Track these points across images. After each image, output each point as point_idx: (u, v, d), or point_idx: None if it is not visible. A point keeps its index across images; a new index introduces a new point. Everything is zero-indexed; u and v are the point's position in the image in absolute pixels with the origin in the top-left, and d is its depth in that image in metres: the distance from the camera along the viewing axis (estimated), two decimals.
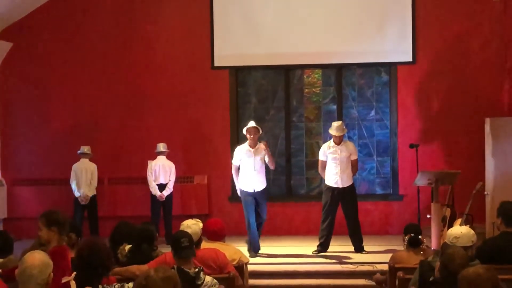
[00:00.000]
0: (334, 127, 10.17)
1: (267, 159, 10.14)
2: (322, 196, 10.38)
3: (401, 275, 6.19)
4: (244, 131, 10.19)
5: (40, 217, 5.02)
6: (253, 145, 10.10)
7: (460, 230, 5.95)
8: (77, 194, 11.33)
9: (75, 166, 11.41)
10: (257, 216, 10.14)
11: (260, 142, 10.22)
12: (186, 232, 5.82)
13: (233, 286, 6.07)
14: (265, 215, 10.25)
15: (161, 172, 11.17)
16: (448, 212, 9.77)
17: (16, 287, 4.45)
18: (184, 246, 5.47)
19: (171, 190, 11.21)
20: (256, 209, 10.12)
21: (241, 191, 10.21)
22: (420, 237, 6.94)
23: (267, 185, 10.32)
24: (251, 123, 10.18)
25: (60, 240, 4.84)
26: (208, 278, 5.42)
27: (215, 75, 12.25)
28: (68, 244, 5.14)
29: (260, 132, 10.19)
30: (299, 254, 10.13)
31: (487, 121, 11.03)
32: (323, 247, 10.17)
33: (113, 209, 12.00)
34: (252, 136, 10.06)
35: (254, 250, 10.00)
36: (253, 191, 10.05)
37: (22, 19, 12.39)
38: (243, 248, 9.59)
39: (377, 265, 9.10)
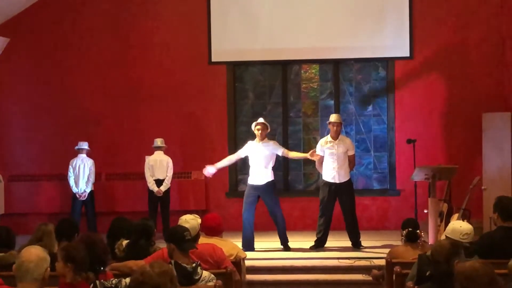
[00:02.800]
0: (333, 116, 10.23)
1: (279, 152, 10.14)
2: (319, 191, 10.38)
3: (398, 270, 6.19)
4: (252, 126, 10.17)
5: (60, 249, 4.96)
6: (259, 140, 10.10)
7: (470, 226, 5.99)
8: (74, 189, 11.34)
9: (72, 162, 11.41)
10: (270, 213, 10.19)
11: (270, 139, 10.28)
12: (186, 226, 5.86)
13: (231, 281, 6.07)
14: (277, 211, 10.12)
15: (159, 168, 11.16)
16: (445, 207, 9.79)
17: (14, 283, 4.45)
18: (188, 239, 5.52)
19: (169, 185, 11.20)
20: (268, 207, 10.17)
21: (247, 186, 10.25)
22: (417, 231, 6.95)
23: (274, 179, 10.23)
24: (260, 119, 10.20)
25: (74, 277, 4.75)
26: (205, 273, 5.42)
27: (213, 71, 12.25)
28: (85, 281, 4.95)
29: (268, 129, 10.19)
30: (296, 249, 10.13)
31: (484, 116, 11.05)
32: (320, 242, 10.18)
33: (110, 205, 12.01)
34: (260, 132, 10.03)
35: (246, 248, 9.91)
36: (257, 184, 10.05)
37: (20, 14, 12.38)
38: (240, 244, 9.62)
39: (374, 260, 9.11)
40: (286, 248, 10.11)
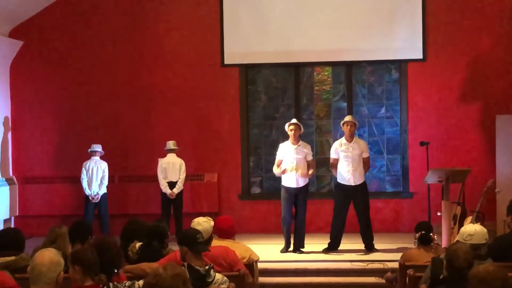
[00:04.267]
0: (347, 116, 10.35)
1: (308, 158, 10.14)
2: (332, 193, 10.36)
3: (411, 273, 6.18)
4: (286, 127, 10.20)
5: (69, 254, 4.96)
6: (294, 142, 10.10)
7: (474, 228, 5.97)
8: (87, 192, 11.36)
9: (85, 164, 11.44)
10: (295, 216, 10.21)
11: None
12: (198, 228, 5.88)
13: (243, 283, 6.07)
14: (302, 215, 10.16)
15: (171, 170, 11.18)
16: (458, 210, 9.75)
17: (28, 285, 4.47)
18: (200, 242, 5.53)
19: (181, 188, 11.21)
20: (296, 210, 10.20)
21: (282, 187, 10.22)
22: (431, 234, 6.93)
23: (308, 182, 10.29)
24: (293, 120, 10.23)
25: (82, 280, 4.74)
26: (218, 276, 5.43)
27: (225, 73, 12.25)
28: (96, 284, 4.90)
29: (302, 130, 10.21)
30: (309, 252, 10.12)
31: (498, 118, 10.99)
32: (333, 245, 10.17)
33: (123, 207, 12.04)
34: (293, 132, 10.05)
35: (284, 247, 10.15)
36: (294, 186, 10.05)
37: (33, 17, 12.43)
38: (253, 246, 9.61)
39: (387, 263, 9.09)
40: (298, 251, 10.14)
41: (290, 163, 10.06)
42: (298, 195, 10.09)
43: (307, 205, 10.25)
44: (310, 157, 10.19)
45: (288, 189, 10.10)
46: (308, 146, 10.29)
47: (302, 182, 10.07)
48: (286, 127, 10.17)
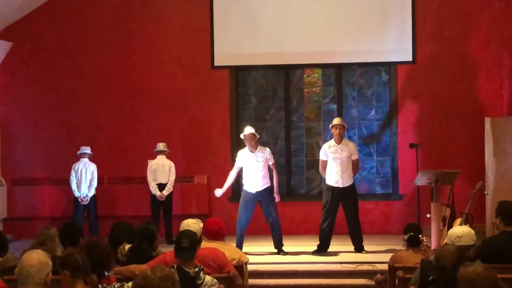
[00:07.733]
0: (335, 119, 10.35)
1: (270, 162, 10.19)
2: (322, 195, 10.38)
3: (400, 274, 6.20)
4: (241, 136, 10.25)
5: (58, 259, 4.95)
6: (252, 150, 10.13)
7: (462, 230, 6.01)
8: (76, 194, 11.34)
9: (75, 166, 11.42)
10: (266, 217, 10.22)
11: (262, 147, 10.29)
12: (190, 233, 5.75)
13: (233, 285, 6.07)
14: (274, 214, 10.16)
15: (161, 172, 11.16)
16: (448, 211, 9.77)
17: (16, 286, 4.45)
18: (183, 247, 5.47)
19: (171, 189, 11.20)
20: (265, 211, 10.21)
21: (244, 192, 10.25)
22: (420, 236, 6.95)
23: (270, 185, 10.28)
24: (247, 129, 10.19)
25: (72, 284, 4.70)
26: (208, 278, 5.42)
27: (215, 75, 12.25)
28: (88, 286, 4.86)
29: (257, 136, 10.18)
30: (299, 254, 10.12)
31: (487, 120, 11.02)
32: (323, 246, 10.17)
33: (113, 209, 12.00)
34: (248, 142, 10.11)
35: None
36: (255, 192, 10.08)
37: (23, 18, 12.39)
38: (244, 248, 9.63)
39: (377, 265, 9.09)
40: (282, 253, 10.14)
41: (250, 169, 10.10)
42: (260, 199, 10.13)
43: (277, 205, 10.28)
44: (271, 161, 10.22)
45: (248, 193, 10.16)
46: (267, 150, 10.25)
47: (264, 185, 10.12)
48: (242, 136, 10.22)
